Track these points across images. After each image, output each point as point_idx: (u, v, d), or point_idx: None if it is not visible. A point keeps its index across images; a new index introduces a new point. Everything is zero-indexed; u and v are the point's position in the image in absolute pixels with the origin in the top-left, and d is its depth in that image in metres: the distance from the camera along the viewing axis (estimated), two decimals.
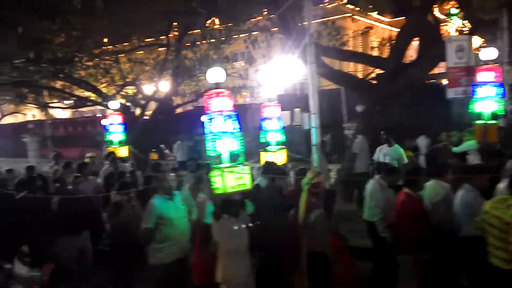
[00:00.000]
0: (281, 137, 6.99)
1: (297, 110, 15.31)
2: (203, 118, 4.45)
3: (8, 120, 29.99)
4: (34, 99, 17.50)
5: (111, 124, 8.60)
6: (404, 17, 11.23)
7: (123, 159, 8.26)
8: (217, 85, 4.51)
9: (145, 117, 17.86)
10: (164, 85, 16.97)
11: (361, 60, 12.18)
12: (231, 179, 4.23)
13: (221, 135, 4.27)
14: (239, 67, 16.88)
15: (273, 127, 7.00)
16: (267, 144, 6.86)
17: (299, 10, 10.99)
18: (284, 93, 21.33)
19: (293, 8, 10.57)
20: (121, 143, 8.56)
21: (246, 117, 17.57)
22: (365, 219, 5.33)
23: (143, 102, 17.65)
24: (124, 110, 17.05)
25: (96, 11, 7.90)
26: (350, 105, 12.39)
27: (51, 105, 18.53)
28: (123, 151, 8.50)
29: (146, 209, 4.73)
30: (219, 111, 4.37)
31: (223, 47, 15.15)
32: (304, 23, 9.97)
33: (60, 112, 25.16)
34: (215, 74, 4.50)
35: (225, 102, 4.46)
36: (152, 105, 18.89)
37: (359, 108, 10.81)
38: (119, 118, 8.71)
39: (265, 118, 7.01)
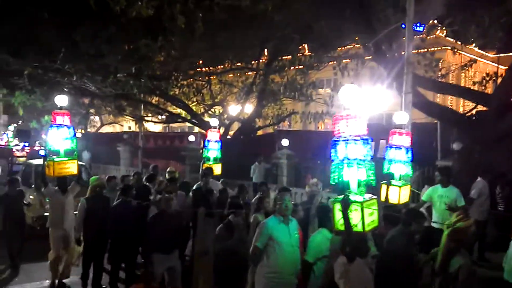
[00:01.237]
0: (407, 171, 5.86)
1: (382, 142, 14.56)
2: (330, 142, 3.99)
3: (106, 129, 32.87)
4: (131, 112, 18.93)
5: (209, 140, 8.52)
6: None
7: (216, 177, 8.17)
8: (347, 107, 3.89)
9: (228, 137, 18.35)
10: (248, 107, 17.35)
11: (461, 94, 11.29)
12: (367, 216, 3.63)
13: (351, 162, 3.69)
14: (324, 94, 16.68)
15: (401, 158, 5.78)
16: (391, 177, 5.73)
17: (396, 39, 10.60)
18: (369, 123, 20.65)
19: (390, 37, 10.21)
20: (216, 160, 8.51)
21: (327, 144, 17.23)
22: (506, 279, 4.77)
23: (227, 122, 18.19)
24: (210, 128, 17.75)
25: (195, 34, 8.29)
26: (444, 142, 11.49)
27: (146, 118, 19.89)
28: (217, 169, 8.46)
29: (258, 227, 4.52)
30: (351, 135, 3.78)
31: (311, 73, 15.10)
32: (402, 53, 9.55)
33: (152, 125, 26.97)
34: (348, 93, 3.89)
35: (359, 125, 3.85)
36: (235, 126, 19.38)
37: (456, 146, 9.93)
38: (217, 135, 8.64)
39: (392, 146, 5.77)
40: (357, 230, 3.57)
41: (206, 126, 18.30)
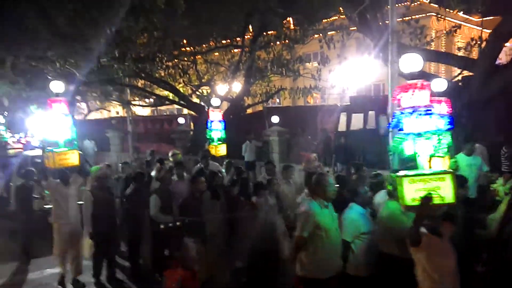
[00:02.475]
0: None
1: (371, 113, 14.66)
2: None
3: (93, 115, 32.48)
4: (118, 97, 18.68)
5: (211, 121, 8.25)
6: (497, 16, 10.25)
7: (214, 157, 7.93)
8: (412, 76, 3.68)
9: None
10: (236, 86, 17.23)
11: (447, 60, 11.35)
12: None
13: (417, 135, 3.48)
14: (312, 68, 16.62)
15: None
16: None
17: (380, 8, 10.53)
18: (357, 95, 20.71)
19: (374, 7, 10.13)
20: (221, 141, 8.26)
21: (317, 119, 17.30)
22: None
23: None
24: (198, 109, 17.69)
25: (177, 11, 8.15)
26: None
27: (133, 102, 19.66)
28: (222, 149, 8.23)
29: (301, 216, 4.16)
30: (414, 106, 3.54)
31: (297, 48, 14.99)
32: (386, 22, 9.51)
33: (141, 109, 26.70)
34: (410, 62, 3.59)
35: (423, 95, 3.56)
36: (224, 105, 19.30)
37: None
38: (219, 115, 8.36)
39: None
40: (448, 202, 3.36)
41: (194, 107, 18.23)
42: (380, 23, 10.28)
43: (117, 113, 27.58)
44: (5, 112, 24.86)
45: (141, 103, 21.19)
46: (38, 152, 9.85)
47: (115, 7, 8.12)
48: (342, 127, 14.12)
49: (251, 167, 12.86)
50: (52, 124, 5.76)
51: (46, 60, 10.40)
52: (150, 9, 8.38)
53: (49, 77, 11.35)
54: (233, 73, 16.56)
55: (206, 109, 17.89)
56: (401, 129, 3.59)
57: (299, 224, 4.10)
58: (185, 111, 21.93)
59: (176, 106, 22.79)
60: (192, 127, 19.56)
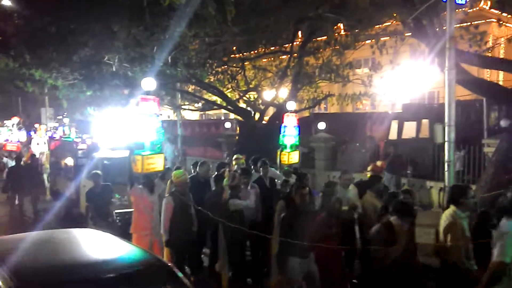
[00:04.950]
0: None
1: (424, 121, 14.09)
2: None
3: None
4: (170, 101, 19.26)
5: (285, 126, 7.76)
6: None
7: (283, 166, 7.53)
8: None
9: (263, 122, 18.33)
10: (283, 91, 17.22)
11: (509, 68, 10.63)
12: None
13: None
14: (362, 74, 16.26)
15: None
16: None
17: (437, 13, 10.10)
18: (410, 102, 19.99)
19: (430, 12, 9.74)
20: (293, 148, 7.73)
21: (366, 126, 16.86)
22: None
23: (262, 107, 18.16)
24: (245, 114, 17.84)
25: (227, 17, 8.26)
26: (490, 119, 10.95)
27: (183, 106, 20.21)
28: (294, 157, 7.71)
29: (500, 236, 3.50)
30: None
31: (347, 53, 14.73)
32: (443, 27, 9.12)
33: (189, 113, 27.38)
34: None
35: None
36: (270, 111, 19.33)
37: (504, 123, 9.46)
38: (294, 120, 7.80)
39: None
40: None
41: (241, 112, 18.40)
42: (437, 29, 9.86)
43: (168, 116, 28.38)
44: (64, 113, 26.45)
45: (190, 107, 21.73)
46: (106, 153, 9.93)
47: (170, 15, 8.39)
48: (392, 135, 13.68)
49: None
50: (141, 125, 5.28)
51: (104, 62, 10.93)
52: (202, 16, 8.55)
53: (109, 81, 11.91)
54: (280, 78, 16.57)
55: (253, 114, 18.09)
56: None
57: (503, 245, 3.41)
58: (231, 115, 22.20)
59: (223, 110, 23.12)
60: (238, 131, 19.76)
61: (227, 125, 20.34)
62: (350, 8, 10.20)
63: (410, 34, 11.65)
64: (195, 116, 32.64)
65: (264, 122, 18.40)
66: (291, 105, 8.16)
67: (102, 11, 8.87)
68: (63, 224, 8.86)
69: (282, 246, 4.95)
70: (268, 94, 17.84)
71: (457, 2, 8.09)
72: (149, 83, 5.41)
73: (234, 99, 18.95)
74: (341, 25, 14.81)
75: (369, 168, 6.93)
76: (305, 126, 17.39)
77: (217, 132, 21.42)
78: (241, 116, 18.27)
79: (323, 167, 13.53)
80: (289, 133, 7.76)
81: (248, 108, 18.11)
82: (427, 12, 9.62)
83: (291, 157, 7.67)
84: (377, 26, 13.11)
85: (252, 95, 19.20)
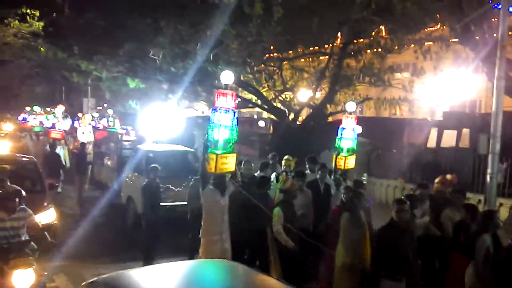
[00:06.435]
0: None
1: (465, 130, 13.68)
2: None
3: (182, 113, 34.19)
4: (206, 98, 19.54)
5: (343, 128, 7.21)
6: None
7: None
8: None
9: (298, 123, 18.28)
10: (320, 93, 17.10)
11: None
12: None
13: None
14: (403, 79, 15.94)
15: None
16: None
17: (487, 20, 9.79)
18: (451, 110, 19.41)
19: (480, 18, 9.47)
20: (349, 152, 7.18)
21: (403, 132, 16.52)
22: None
23: (297, 108, 18.12)
24: (279, 114, 17.85)
25: (274, 17, 8.31)
26: None
27: None
28: (351, 161, 7.12)
29: None
30: None
31: (388, 57, 14.47)
32: (494, 35, 8.85)
33: None
34: None
35: None
36: (305, 112, 19.23)
37: None
38: (353, 122, 7.25)
39: None
40: None
41: (275, 111, 18.42)
42: (487, 36, 9.57)
43: (203, 112, 28.77)
44: (105, 104, 27.34)
45: None
46: (150, 146, 9.99)
47: (216, 14, 8.52)
48: (431, 143, 13.36)
49: None
50: (216, 121, 4.95)
51: (149, 59, 11.25)
52: (248, 14, 8.64)
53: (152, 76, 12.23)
54: (318, 80, 16.47)
55: (287, 114, 18.08)
56: None
57: None
58: (264, 114, 22.21)
59: (256, 109, 23.18)
60: (271, 130, 19.77)
61: (261, 123, 20.38)
62: (396, 12, 10.03)
63: (456, 40, 11.36)
64: None
65: (298, 123, 18.36)
66: (351, 106, 7.47)
67: (150, 7, 9.14)
68: (107, 214, 9.26)
69: (375, 267, 4.67)
70: (303, 95, 17.76)
71: (511, 10, 7.83)
72: (227, 76, 5.10)
73: (270, 98, 19.00)
74: (382, 28, 14.58)
75: (437, 180, 6.50)
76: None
77: (251, 130, 21.53)
78: (276, 115, 18.27)
79: (356, 172, 13.38)
80: (347, 135, 7.19)
81: (283, 108, 18.10)
82: (477, 19, 9.36)
83: (347, 162, 7.07)
84: (422, 30, 12.82)
85: (288, 95, 19.16)
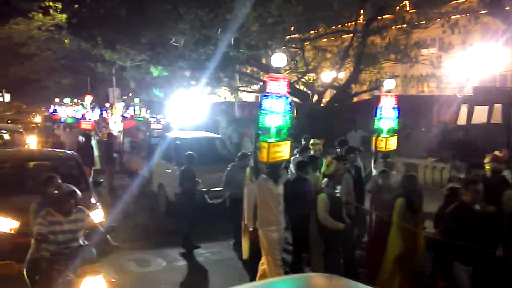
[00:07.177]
0: None
1: (497, 105, 13.18)
2: None
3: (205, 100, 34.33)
4: (228, 83, 19.55)
5: (381, 107, 6.86)
6: None
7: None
8: None
9: (322, 105, 18.02)
10: (343, 73, 16.76)
11: None
12: None
13: None
14: (429, 54, 15.40)
15: None
16: None
17: None
18: (481, 85, 18.70)
19: None
20: (390, 132, 6.87)
21: (432, 110, 16.05)
22: None
23: (321, 89, 17.84)
24: (303, 96, 17.64)
25: None
26: None
27: (240, 88, 20.38)
28: (392, 142, 6.84)
29: None
30: None
31: (414, 32, 13.98)
32: None
33: (246, 95, 27.58)
34: None
35: None
36: (329, 93, 18.93)
37: None
38: (393, 101, 6.86)
39: None
40: None
41: (298, 94, 18.21)
42: None
43: (225, 98, 28.82)
44: (130, 93, 27.69)
45: (247, 89, 21.84)
46: (178, 134, 10.09)
47: None
48: (462, 120, 12.96)
49: None
50: (268, 107, 4.72)
51: (170, 46, 11.29)
52: None
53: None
54: (341, 59, 16.13)
55: (311, 96, 17.84)
56: None
57: None
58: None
59: None
60: (295, 114, 19.59)
61: None
62: None
63: (485, 11, 10.87)
64: (251, 98, 32.80)
65: (322, 104, 18.10)
66: (390, 84, 7.02)
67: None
68: (138, 201, 9.43)
69: (446, 249, 4.46)
70: (326, 76, 17.44)
71: None
72: (279, 59, 4.82)
73: (293, 80, 18.79)
74: (407, 2, 14.06)
75: (487, 159, 6.01)
76: (366, 109, 16.90)
77: None
78: (299, 98, 18.07)
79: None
80: (387, 115, 6.81)
81: (306, 90, 17.86)
82: None
83: (389, 143, 6.74)
84: (450, 3, 12.31)
85: (311, 76, 18.87)
